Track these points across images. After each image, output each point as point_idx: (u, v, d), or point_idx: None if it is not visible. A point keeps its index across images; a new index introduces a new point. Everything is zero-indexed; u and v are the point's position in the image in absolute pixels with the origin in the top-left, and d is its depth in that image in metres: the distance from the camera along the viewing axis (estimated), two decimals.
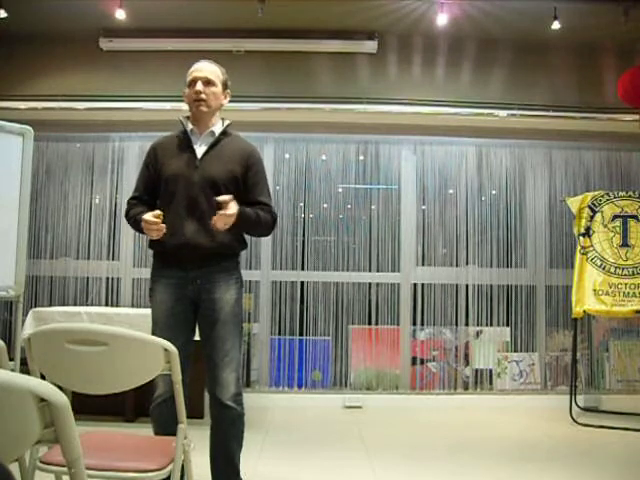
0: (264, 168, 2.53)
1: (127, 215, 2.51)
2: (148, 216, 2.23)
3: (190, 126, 2.46)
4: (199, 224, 2.31)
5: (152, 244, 2.42)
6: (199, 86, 2.39)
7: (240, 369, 2.38)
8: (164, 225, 2.23)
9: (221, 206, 2.22)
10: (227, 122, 2.50)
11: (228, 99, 2.53)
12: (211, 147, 2.42)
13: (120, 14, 4.06)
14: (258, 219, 2.37)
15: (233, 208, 2.23)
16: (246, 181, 2.43)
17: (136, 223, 2.40)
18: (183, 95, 2.52)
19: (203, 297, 2.34)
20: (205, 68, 2.43)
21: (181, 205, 2.33)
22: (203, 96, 2.39)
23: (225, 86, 2.49)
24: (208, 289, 2.34)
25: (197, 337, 3.36)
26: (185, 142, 2.44)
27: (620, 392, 4.58)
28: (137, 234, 4.64)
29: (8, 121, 3.62)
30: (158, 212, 2.25)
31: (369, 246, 4.73)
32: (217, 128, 2.46)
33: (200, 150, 2.42)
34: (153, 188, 2.45)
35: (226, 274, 2.38)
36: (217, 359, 2.32)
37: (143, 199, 2.48)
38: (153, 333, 2.29)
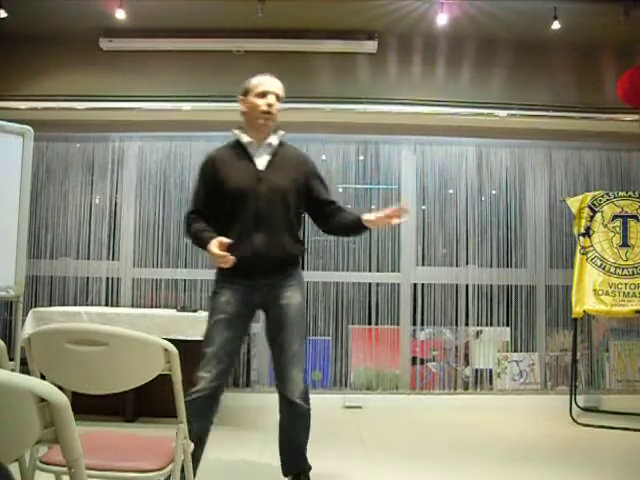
0: (320, 171, 2.65)
1: (188, 231, 2.53)
2: (214, 248, 2.28)
3: (246, 138, 2.50)
4: (267, 235, 2.40)
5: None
6: (272, 99, 2.47)
7: (305, 368, 2.48)
8: (232, 258, 2.29)
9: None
10: (281, 133, 2.57)
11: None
12: (272, 159, 2.49)
13: (120, 14, 4.06)
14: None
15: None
16: (313, 189, 2.54)
17: (198, 240, 2.45)
18: (242, 102, 2.53)
19: (270, 302, 2.46)
20: (276, 84, 2.52)
21: (248, 217, 2.39)
22: (274, 110, 2.47)
23: (281, 100, 2.57)
24: (275, 295, 2.45)
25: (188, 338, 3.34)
26: (243, 154, 2.49)
27: (620, 392, 4.58)
28: (136, 235, 4.68)
29: (8, 121, 3.62)
30: (224, 240, 2.29)
31: (369, 246, 4.73)
32: (273, 139, 2.52)
33: (261, 162, 2.47)
34: (212, 201, 2.48)
35: (291, 279, 2.48)
36: (285, 360, 2.41)
37: (202, 213, 2.51)
38: (208, 332, 2.42)
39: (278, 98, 2.51)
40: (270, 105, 2.46)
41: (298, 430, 2.51)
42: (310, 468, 2.60)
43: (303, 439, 2.54)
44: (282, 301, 2.45)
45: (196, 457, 2.28)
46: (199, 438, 2.31)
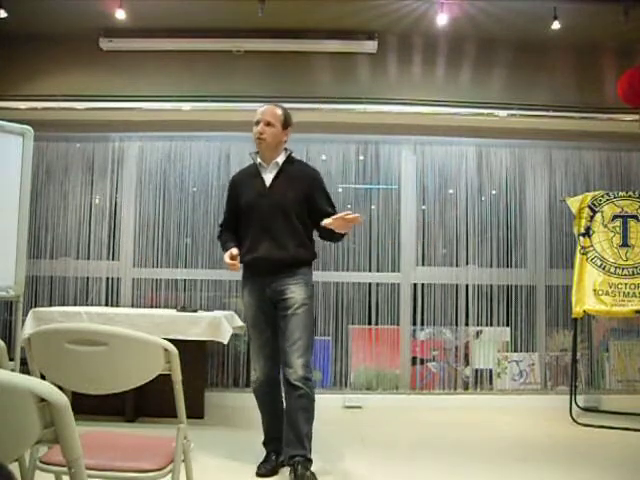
0: (325, 186, 3.00)
1: (219, 239, 3.09)
2: (226, 258, 2.80)
3: (259, 160, 2.93)
4: (271, 241, 2.81)
5: (242, 257, 2.93)
6: (260, 127, 2.86)
7: (309, 356, 2.79)
8: (239, 265, 2.82)
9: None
10: (288, 152, 2.96)
11: (289, 136, 2.97)
12: (277, 175, 2.89)
13: (120, 14, 4.06)
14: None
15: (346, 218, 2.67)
16: (314, 200, 2.89)
17: (223, 250, 2.96)
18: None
19: (277, 297, 2.83)
20: (266, 112, 2.90)
21: (256, 227, 2.84)
22: (264, 136, 2.86)
23: (285, 125, 2.92)
24: (280, 291, 2.82)
25: (188, 338, 3.44)
26: (256, 174, 2.93)
27: (620, 392, 4.58)
28: (136, 235, 4.71)
29: (8, 121, 3.62)
30: (235, 252, 2.79)
31: (369, 246, 4.73)
32: (281, 159, 2.91)
33: (268, 179, 2.89)
34: (236, 214, 2.96)
35: (294, 278, 2.83)
36: (286, 347, 2.76)
37: (230, 224, 3.02)
38: (247, 330, 3.08)
39: (269, 123, 2.86)
40: (259, 132, 2.85)
41: (297, 414, 2.72)
42: (310, 460, 2.71)
43: (303, 424, 2.72)
44: (286, 296, 2.80)
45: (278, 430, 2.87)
46: (275, 415, 2.89)
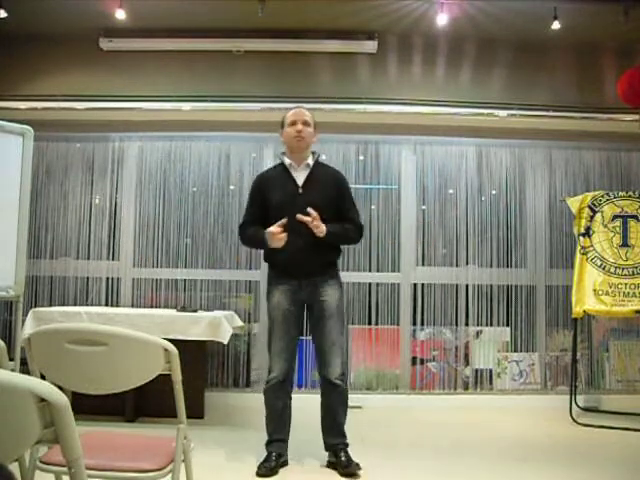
0: (350, 189, 3.14)
1: (243, 237, 3.06)
2: (273, 228, 2.78)
3: (288, 160, 3.02)
4: (304, 242, 2.83)
5: (268, 258, 3.02)
6: (300, 126, 2.99)
7: (344, 354, 2.97)
8: (285, 234, 2.77)
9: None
10: (317, 155, 3.09)
11: (316, 138, 3.12)
12: (308, 176, 2.99)
13: (120, 14, 4.06)
14: (344, 231, 2.98)
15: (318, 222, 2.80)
16: (339, 202, 3.01)
17: (254, 239, 2.99)
18: (281, 134, 3.08)
19: (313, 299, 2.93)
20: (302, 113, 3.05)
21: (289, 227, 2.80)
22: (303, 134, 2.99)
23: (315, 127, 3.09)
24: (317, 293, 2.92)
25: (188, 338, 3.42)
26: (286, 174, 3.00)
27: (620, 392, 4.58)
28: (136, 234, 4.69)
29: (8, 121, 3.62)
30: (284, 221, 2.76)
31: (369, 246, 4.73)
32: (310, 161, 3.04)
33: (300, 180, 2.97)
34: (261, 213, 2.98)
35: (330, 280, 2.96)
36: (325, 347, 2.90)
37: (255, 223, 2.99)
38: (270, 329, 2.96)
39: (307, 124, 3.01)
40: (299, 131, 2.97)
41: (338, 407, 2.92)
42: (348, 445, 2.93)
43: (342, 416, 2.94)
44: (322, 297, 2.91)
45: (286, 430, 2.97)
46: (282, 416, 2.93)
